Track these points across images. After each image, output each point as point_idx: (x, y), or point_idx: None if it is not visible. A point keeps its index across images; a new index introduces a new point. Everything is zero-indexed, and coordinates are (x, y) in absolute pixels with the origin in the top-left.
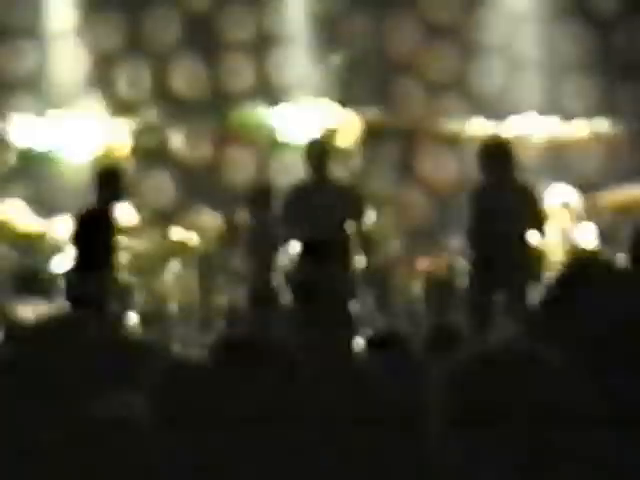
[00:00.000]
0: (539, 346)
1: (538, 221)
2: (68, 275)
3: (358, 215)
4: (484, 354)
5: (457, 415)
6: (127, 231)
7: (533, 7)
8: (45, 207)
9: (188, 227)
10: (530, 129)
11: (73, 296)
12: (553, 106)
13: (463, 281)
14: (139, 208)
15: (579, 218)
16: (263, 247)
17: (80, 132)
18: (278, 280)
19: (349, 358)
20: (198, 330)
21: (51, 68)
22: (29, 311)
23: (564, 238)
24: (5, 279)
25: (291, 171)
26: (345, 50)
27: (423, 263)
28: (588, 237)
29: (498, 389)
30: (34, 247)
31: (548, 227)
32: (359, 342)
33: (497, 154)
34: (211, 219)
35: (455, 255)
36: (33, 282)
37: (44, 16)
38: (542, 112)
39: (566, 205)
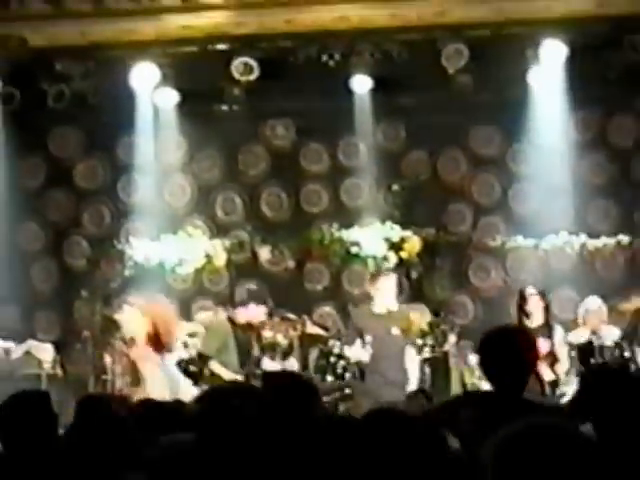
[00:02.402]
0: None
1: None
2: None
3: None
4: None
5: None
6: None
7: (563, 141)
8: None
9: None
10: (563, 245)
11: None
12: (581, 225)
13: None
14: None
15: (604, 321)
16: None
17: (185, 249)
18: None
19: None
20: None
21: (163, 197)
22: None
23: (594, 338)
24: (123, 372)
25: (360, 281)
26: (405, 179)
27: (475, 358)
28: (611, 336)
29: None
30: None
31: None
32: None
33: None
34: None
35: None
36: None
37: (157, 154)
38: (572, 230)
39: (595, 312)
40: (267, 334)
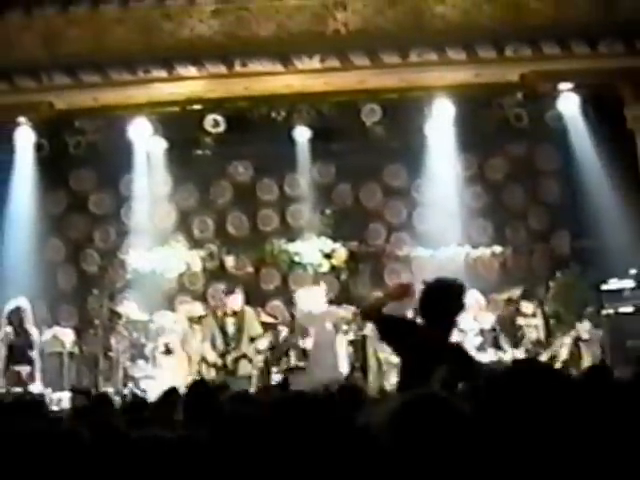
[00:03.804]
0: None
1: None
2: None
3: None
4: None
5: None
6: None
7: (451, 176)
8: (149, 305)
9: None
10: (453, 254)
11: None
12: (466, 239)
13: None
14: (207, 305)
15: (484, 310)
16: None
17: (170, 258)
18: None
19: None
20: None
21: (154, 219)
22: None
23: (476, 322)
24: (124, 350)
25: (302, 282)
26: (335, 205)
27: None
28: (488, 321)
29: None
30: (142, 330)
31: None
32: None
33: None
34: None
35: None
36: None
37: (150, 188)
38: (460, 243)
39: (476, 303)
40: (249, 324)
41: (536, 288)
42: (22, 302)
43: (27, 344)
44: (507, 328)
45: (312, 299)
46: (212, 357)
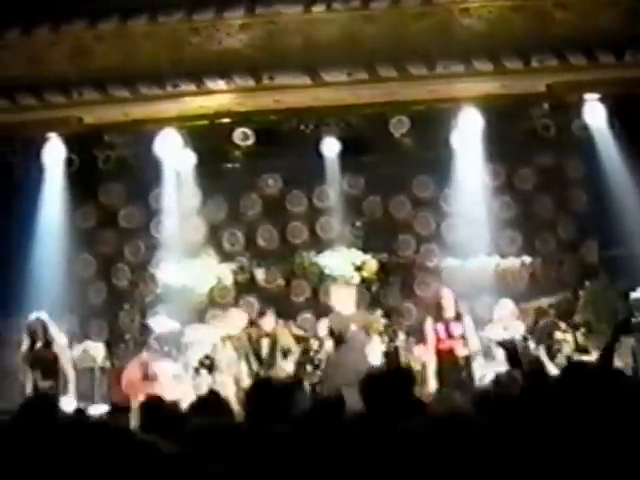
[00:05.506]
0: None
1: None
2: None
3: None
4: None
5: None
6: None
7: (480, 186)
8: (179, 319)
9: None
10: (482, 264)
11: None
12: (495, 249)
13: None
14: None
15: (514, 319)
16: None
17: (201, 272)
18: None
19: None
20: None
21: (184, 233)
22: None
23: (506, 331)
24: None
25: (332, 295)
26: (365, 217)
27: (418, 350)
28: (518, 331)
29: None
30: (173, 344)
31: (496, 325)
32: None
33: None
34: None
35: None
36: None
37: (179, 201)
38: (489, 253)
39: (509, 313)
40: (282, 340)
41: (566, 299)
42: (41, 315)
43: (51, 358)
44: (543, 339)
45: (342, 300)
46: (246, 380)
